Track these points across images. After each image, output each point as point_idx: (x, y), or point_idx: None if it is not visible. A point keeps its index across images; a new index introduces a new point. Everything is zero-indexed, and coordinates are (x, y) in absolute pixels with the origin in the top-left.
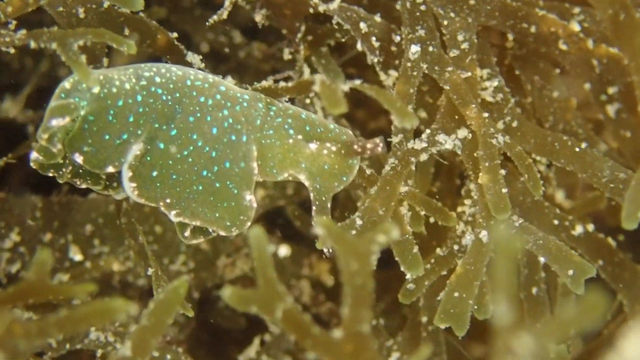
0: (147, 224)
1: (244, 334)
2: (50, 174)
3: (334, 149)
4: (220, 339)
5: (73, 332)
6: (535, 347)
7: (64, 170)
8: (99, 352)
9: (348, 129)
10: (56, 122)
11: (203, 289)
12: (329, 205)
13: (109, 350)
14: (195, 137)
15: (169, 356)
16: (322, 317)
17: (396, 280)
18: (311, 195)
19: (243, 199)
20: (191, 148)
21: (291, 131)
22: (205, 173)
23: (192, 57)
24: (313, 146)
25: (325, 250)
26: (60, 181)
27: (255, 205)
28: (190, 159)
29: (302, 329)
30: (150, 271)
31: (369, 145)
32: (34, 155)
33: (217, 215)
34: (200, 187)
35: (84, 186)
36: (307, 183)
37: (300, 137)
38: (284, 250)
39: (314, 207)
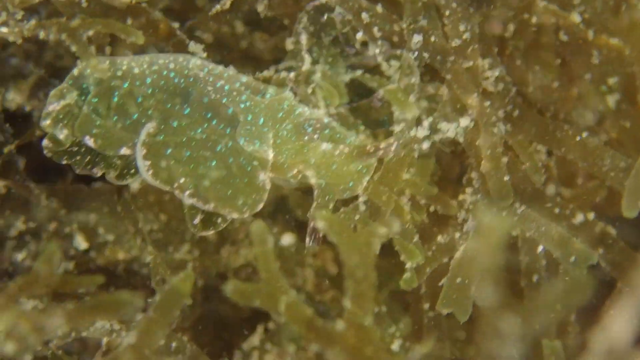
0: (152, 212)
1: (248, 322)
2: (65, 162)
3: (346, 150)
4: (224, 326)
5: (80, 325)
6: (521, 328)
7: (78, 158)
8: (105, 340)
9: (368, 139)
10: (52, 108)
11: (207, 276)
12: (330, 206)
13: (115, 338)
14: (209, 115)
15: (174, 344)
16: (326, 304)
17: (398, 267)
18: (315, 192)
19: (256, 177)
20: (205, 125)
21: (309, 129)
22: (219, 148)
23: (195, 47)
24: (326, 145)
25: (308, 239)
26: (78, 171)
27: (268, 186)
28: (204, 135)
29: (305, 322)
30: (149, 259)
31: (382, 145)
32: (44, 142)
33: (229, 192)
34: (214, 163)
35: (100, 174)
36: (312, 180)
37: (316, 136)
38: (288, 239)
39: (314, 204)
